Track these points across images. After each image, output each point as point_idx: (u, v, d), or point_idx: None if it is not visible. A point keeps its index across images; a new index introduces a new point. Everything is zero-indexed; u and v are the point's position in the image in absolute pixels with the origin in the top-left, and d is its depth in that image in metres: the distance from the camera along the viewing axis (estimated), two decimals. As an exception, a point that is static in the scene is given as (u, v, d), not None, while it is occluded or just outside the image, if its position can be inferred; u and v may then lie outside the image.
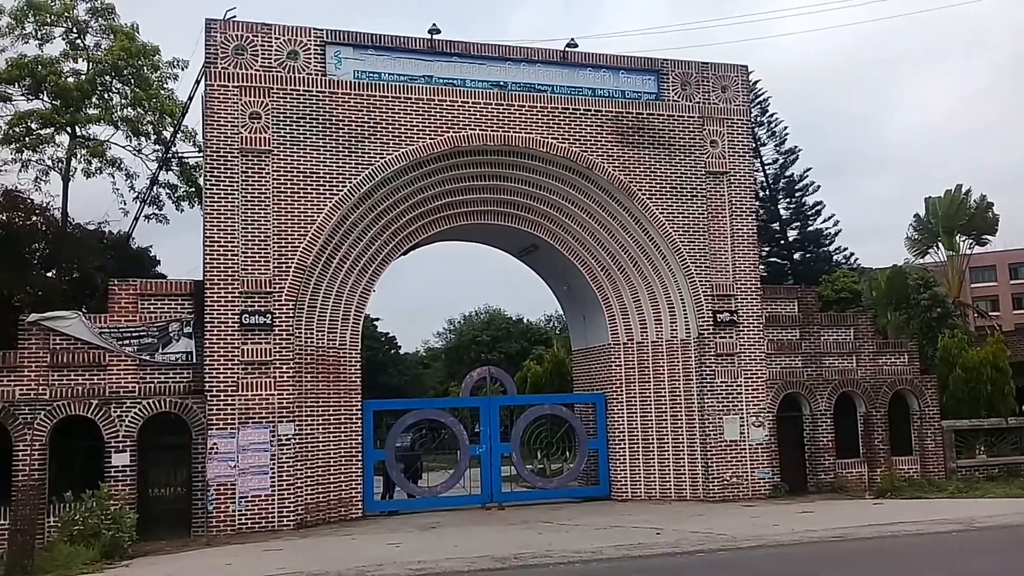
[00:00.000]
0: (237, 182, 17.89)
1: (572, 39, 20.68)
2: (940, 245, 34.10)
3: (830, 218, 42.51)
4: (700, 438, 20.36)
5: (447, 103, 19.34)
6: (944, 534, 14.43)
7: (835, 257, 42.13)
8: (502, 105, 19.68)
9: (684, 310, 20.84)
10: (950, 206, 33.38)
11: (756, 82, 38.90)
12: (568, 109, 20.14)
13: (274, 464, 17.33)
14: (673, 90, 21.03)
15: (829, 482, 21.05)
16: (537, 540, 14.83)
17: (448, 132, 19.26)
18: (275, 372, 17.61)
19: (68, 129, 27.17)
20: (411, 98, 19.14)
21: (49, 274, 25.42)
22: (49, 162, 27.57)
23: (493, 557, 13.12)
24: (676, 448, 20.61)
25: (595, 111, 20.32)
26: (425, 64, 19.39)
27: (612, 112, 20.44)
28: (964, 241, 34.18)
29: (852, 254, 42.74)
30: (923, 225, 34.41)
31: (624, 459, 20.94)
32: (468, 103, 19.46)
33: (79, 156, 27.64)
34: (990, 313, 52.01)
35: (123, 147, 28.34)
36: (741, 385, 20.57)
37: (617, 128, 20.42)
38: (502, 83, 19.85)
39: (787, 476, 20.73)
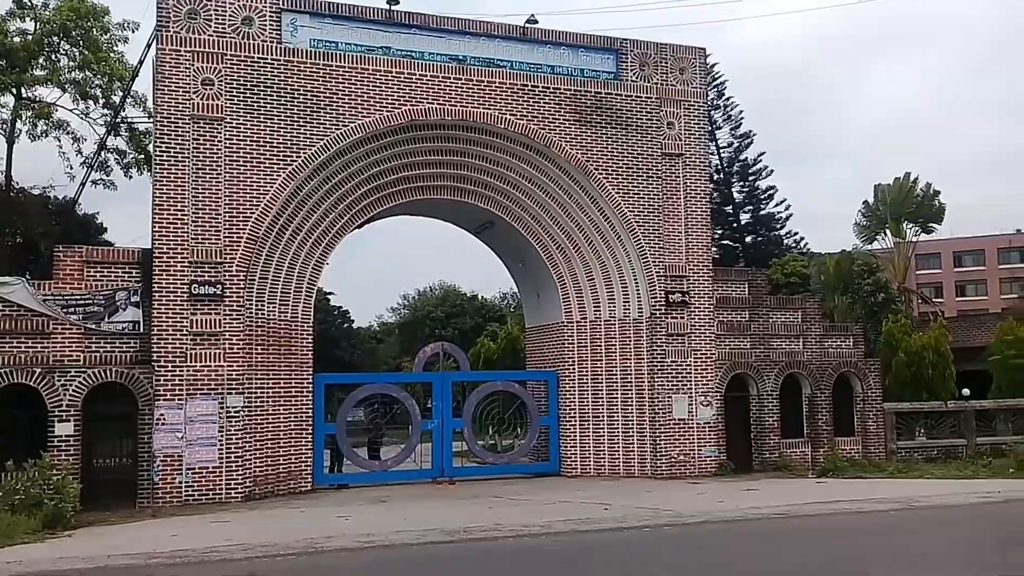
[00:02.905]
0: (188, 149, 17.55)
1: (532, 15, 20.61)
2: (888, 232, 34.86)
3: (782, 203, 43.15)
4: (650, 416, 20.60)
5: (405, 75, 19.14)
6: (883, 513, 14.82)
7: (786, 241, 42.84)
8: (460, 80, 19.54)
9: (637, 290, 21.01)
10: (898, 194, 34.12)
11: (713, 65, 39.12)
12: (527, 86, 20.07)
13: (222, 436, 17.15)
14: (631, 70, 21.06)
15: (774, 461, 21.47)
16: (487, 514, 14.92)
17: (405, 105, 19.08)
18: (225, 343, 17.39)
19: (13, 90, 26.41)
20: (368, 69, 18.91)
21: (-9, 239, 24.80)
22: (-7, 123, 26.82)
23: (443, 530, 13.18)
24: (626, 426, 20.83)
25: (553, 89, 20.28)
26: (383, 35, 19.15)
27: (570, 90, 20.41)
28: (911, 228, 35.00)
29: (803, 238, 43.54)
30: (872, 212, 35.15)
31: (575, 436, 21.12)
32: (426, 76, 19.28)
33: (24, 118, 26.91)
34: (934, 299, 53.26)
35: (70, 110, 27.68)
36: (691, 365, 20.83)
37: (574, 106, 20.41)
38: (461, 57, 19.70)
39: (734, 455, 21.10)
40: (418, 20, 19.46)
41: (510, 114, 19.85)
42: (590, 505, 15.86)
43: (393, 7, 19.28)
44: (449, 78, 19.44)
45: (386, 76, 19.01)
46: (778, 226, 43.16)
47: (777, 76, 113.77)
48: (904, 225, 34.48)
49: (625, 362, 21.01)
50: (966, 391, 24.38)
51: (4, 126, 26.79)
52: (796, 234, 43.76)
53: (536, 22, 20.52)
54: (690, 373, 20.81)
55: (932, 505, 15.63)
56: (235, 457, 17.24)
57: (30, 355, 16.52)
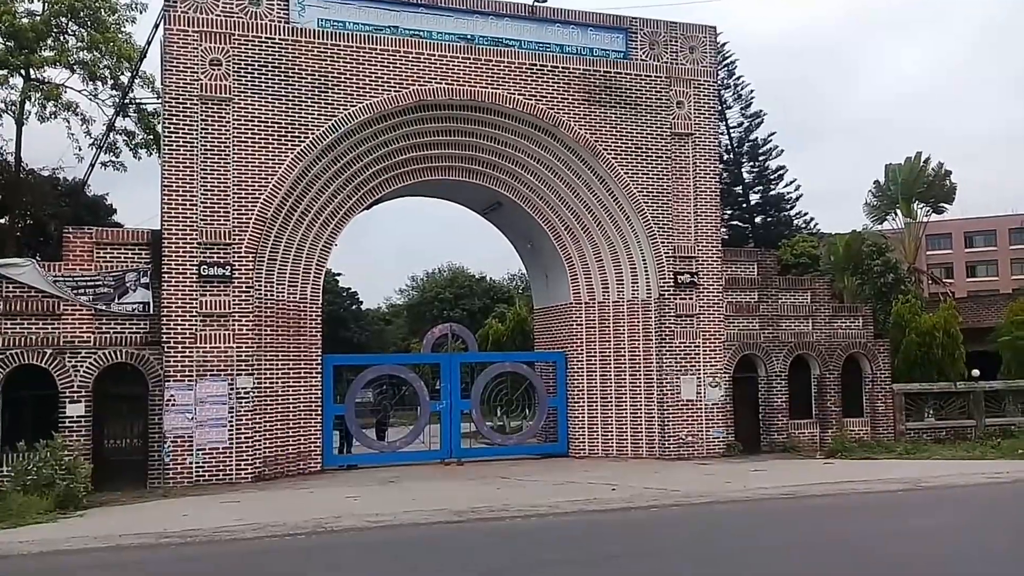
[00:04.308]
0: (196, 130, 17.54)
1: (541, -7, 20.44)
2: (898, 212, 34.67)
3: (792, 183, 42.86)
4: (657, 397, 20.62)
5: (413, 55, 19.06)
6: (891, 493, 14.83)
7: (796, 222, 42.58)
8: (469, 59, 19.43)
9: (645, 271, 20.97)
10: (909, 173, 33.89)
11: (724, 44, 38.82)
12: (535, 65, 19.96)
13: (232, 417, 17.25)
14: (641, 49, 20.91)
15: (782, 442, 21.47)
16: (495, 495, 14.98)
17: (414, 85, 19.01)
18: (234, 324, 17.45)
19: (22, 71, 26.39)
20: (376, 49, 18.82)
21: (1, 220, 24.86)
22: (2, 105, 26.86)
23: (451, 511, 13.24)
24: (634, 406, 20.86)
25: (562, 68, 20.17)
26: (391, 14, 19.05)
27: (579, 70, 20.29)
28: (922, 208, 34.79)
29: (812, 219, 43.26)
30: (882, 192, 34.93)
31: (583, 417, 21.16)
32: (434, 56, 19.19)
33: (33, 99, 26.91)
34: (944, 280, 53.00)
35: (79, 91, 27.65)
36: (699, 346, 20.81)
37: (584, 86, 20.29)
38: (469, 36, 19.58)
39: (741, 435, 21.11)
40: (426, -1, 19.35)
41: (519, 94, 19.75)
42: (598, 486, 15.90)
43: (401, -14, 19.15)
44: (458, 57, 19.34)
45: (394, 56, 18.93)
46: (788, 206, 42.89)
47: (788, 54, 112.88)
48: (915, 205, 34.28)
49: (634, 343, 21.01)
50: (976, 372, 24.30)
51: (13, 107, 26.81)
52: (806, 214, 43.53)
53: (545, 1, 20.38)
54: (698, 354, 20.79)
55: (940, 485, 15.62)
56: (245, 438, 17.34)
57: (41, 336, 16.62)
